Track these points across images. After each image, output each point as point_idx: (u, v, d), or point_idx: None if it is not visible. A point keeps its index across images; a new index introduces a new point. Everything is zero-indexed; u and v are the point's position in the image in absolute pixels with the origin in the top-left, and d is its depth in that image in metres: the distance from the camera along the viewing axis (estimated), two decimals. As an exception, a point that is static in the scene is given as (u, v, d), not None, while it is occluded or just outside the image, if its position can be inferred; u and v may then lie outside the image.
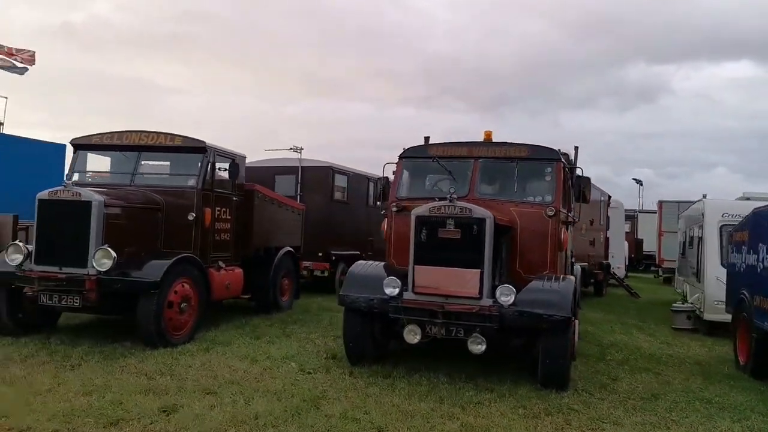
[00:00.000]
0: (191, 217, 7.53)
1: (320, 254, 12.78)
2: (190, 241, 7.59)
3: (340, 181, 13.60)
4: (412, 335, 5.65)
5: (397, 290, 5.76)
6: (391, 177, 7.52)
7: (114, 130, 8.03)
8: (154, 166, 8.21)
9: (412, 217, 5.91)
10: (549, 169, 6.84)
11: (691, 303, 11.13)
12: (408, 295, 5.78)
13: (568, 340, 5.62)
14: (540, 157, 6.84)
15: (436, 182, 7.33)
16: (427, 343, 5.88)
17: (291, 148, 13.61)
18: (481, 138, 7.27)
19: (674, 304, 11.40)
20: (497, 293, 5.53)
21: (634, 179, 55.36)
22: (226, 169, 8.14)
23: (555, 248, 6.46)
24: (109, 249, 6.44)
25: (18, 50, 18.33)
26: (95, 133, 8.09)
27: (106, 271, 6.43)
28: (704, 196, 11.40)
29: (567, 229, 7.19)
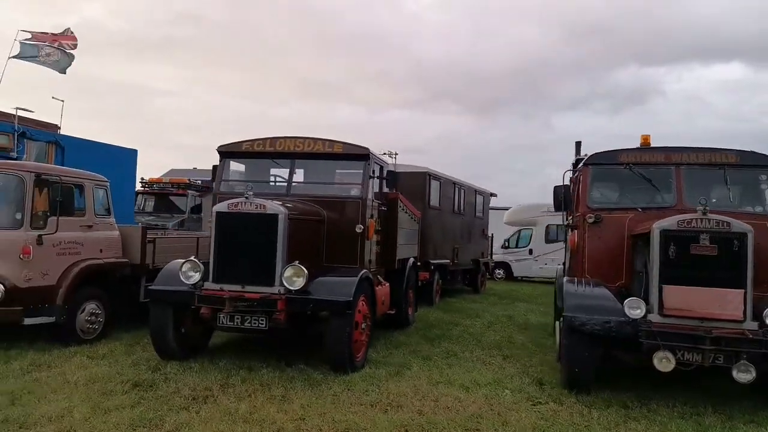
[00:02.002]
0: (359, 229, 7.02)
1: (420, 263, 12.31)
2: (355, 255, 7.08)
3: (434, 187, 13.11)
4: (666, 362, 5.12)
5: (641, 312, 5.24)
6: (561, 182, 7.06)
7: (265, 137, 7.52)
8: (310, 175, 7.69)
9: (655, 232, 5.39)
10: (764, 177, 6.36)
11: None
12: (653, 317, 5.26)
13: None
14: (753, 164, 6.36)
15: (632, 191, 6.82)
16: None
17: (384, 153, 13.11)
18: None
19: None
20: (765, 316, 5.02)
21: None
22: (380, 177, 7.64)
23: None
24: (301, 266, 5.93)
25: (57, 35, 17.23)
26: (244, 139, 7.57)
27: (296, 290, 5.92)
28: None
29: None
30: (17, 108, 11.75)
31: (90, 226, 7.49)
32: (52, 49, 16.67)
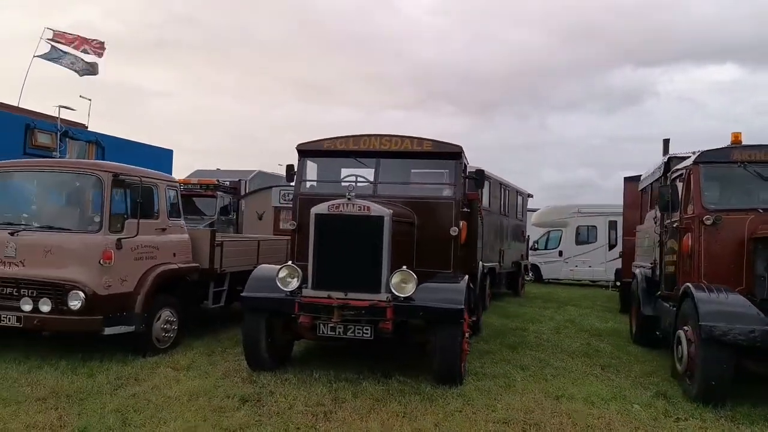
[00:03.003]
0: (454, 231, 6.63)
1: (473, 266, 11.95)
2: (448, 260, 6.69)
3: (486, 187, 12.73)
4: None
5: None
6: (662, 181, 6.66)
7: (347, 135, 7.13)
8: (385, 174, 7.29)
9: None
10: None
11: None
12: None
13: None
14: None
15: (744, 190, 6.45)
16: None
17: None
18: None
19: None
20: None
21: None
22: (468, 176, 7.25)
23: None
24: (410, 271, 5.55)
25: (85, 39, 16.80)
26: (324, 138, 7.18)
27: (405, 298, 5.54)
28: None
29: None
30: (60, 106, 11.40)
31: (163, 229, 7.09)
32: (76, 53, 16.36)
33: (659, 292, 7.68)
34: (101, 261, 6.10)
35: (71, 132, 11.36)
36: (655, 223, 8.08)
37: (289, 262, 5.86)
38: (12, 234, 6.16)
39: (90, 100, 15.10)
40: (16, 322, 6.02)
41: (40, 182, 6.70)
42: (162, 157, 14.19)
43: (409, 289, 5.51)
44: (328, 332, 5.68)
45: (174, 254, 7.22)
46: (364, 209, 5.71)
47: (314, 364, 6.38)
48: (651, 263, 8.38)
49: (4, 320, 6.04)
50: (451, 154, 6.86)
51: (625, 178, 13.04)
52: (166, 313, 6.90)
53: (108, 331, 6.14)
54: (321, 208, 5.82)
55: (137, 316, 6.42)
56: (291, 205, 13.69)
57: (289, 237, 11.03)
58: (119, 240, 6.30)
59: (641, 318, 8.29)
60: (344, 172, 7.87)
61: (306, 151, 7.23)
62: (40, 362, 6.02)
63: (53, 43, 16.19)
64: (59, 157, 10.95)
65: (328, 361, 6.63)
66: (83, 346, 6.55)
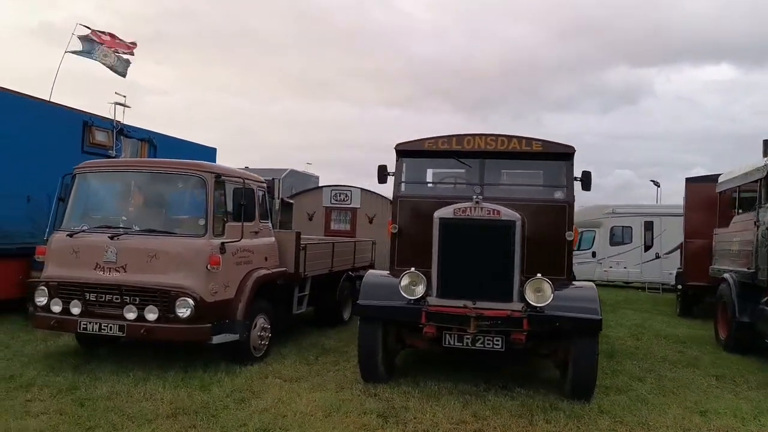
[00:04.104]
0: (570, 236, 6.33)
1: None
2: (562, 266, 6.38)
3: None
4: None
5: None
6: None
7: (449, 134, 6.82)
8: (497, 176, 6.99)
9: None
10: None
11: None
12: None
13: None
14: None
15: None
16: None
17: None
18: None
19: None
20: None
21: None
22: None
23: None
24: (546, 279, 5.24)
25: (116, 39, 16.56)
26: (425, 137, 6.87)
27: (540, 307, 5.24)
28: None
29: None
30: (115, 103, 11.07)
31: (256, 232, 6.79)
32: (108, 51, 16.04)
33: (766, 298, 7.38)
34: (208, 266, 5.80)
35: (126, 130, 11.02)
36: (756, 226, 7.76)
37: (412, 269, 5.53)
38: (112, 238, 5.85)
39: (125, 96, 14.84)
40: (119, 330, 5.72)
41: (140, 183, 6.39)
42: (206, 156, 13.86)
43: (547, 297, 5.20)
44: (456, 343, 5.39)
45: (265, 258, 6.92)
46: (493, 213, 5.41)
47: (417, 375, 6.07)
48: (748, 268, 8.07)
49: (104, 329, 5.74)
50: (564, 155, 6.55)
51: (688, 179, 12.72)
52: (260, 320, 6.60)
53: (216, 339, 5.83)
54: (446, 212, 5.52)
55: (239, 324, 6.12)
56: (341, 206, 13.54)
57: (347, 238, 10.82)
58: (223, 244, 5.99)
59: (736, 325, 8.00)
60: (429, 173, 7.59)
61: (404, 152, 6.92)
62: (144, 374, 5.71)
63: (85, 41, 15.91)
64: (115, 156, 10.65)
65: (425, 370, 6.30)
66: (165, 354, 6.27)
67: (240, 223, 6.28)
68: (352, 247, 9.63)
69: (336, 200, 13.32)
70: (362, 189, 13.41)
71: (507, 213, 5.42)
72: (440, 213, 5.53)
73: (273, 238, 7.24)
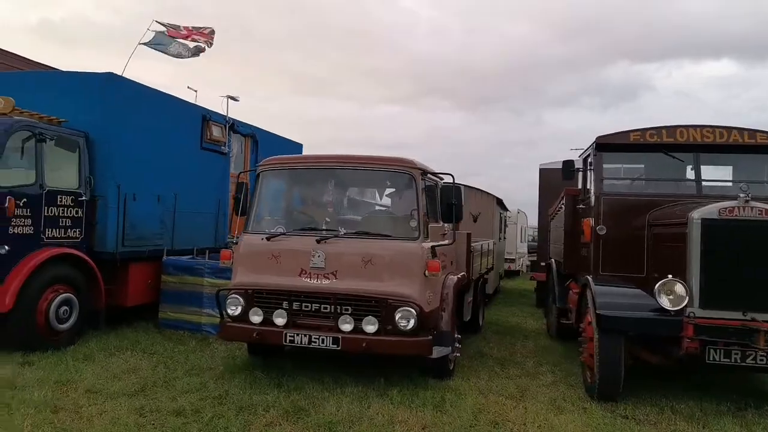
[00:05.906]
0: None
1: (542, 264, 11.86)
2: None
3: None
4: None
5: None
6: None
7: (658, 125, 6.22)
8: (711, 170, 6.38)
9: None
10: None
11: None
12: None
13: None
14: None
15: None
16: None
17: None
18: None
19: None
20: None
21: None
22: None
23: None
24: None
25: (195, 28, 16.31)
26: (630, 129, 6.27)
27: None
28: None
29: None
30: (227, 96, 10.57)
31: (444, 234, 6.23)
32: (184, 42, 15.67)
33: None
34: (426, 272, 5.25)
35: (237, 124, 10.50)
36: None
37: (669, 276, 4.93)
38: (319, 242, 5.32)
39: (196, 91, 14.40)
40: (332, 343, 5.16)
41: (341, 181, 5.84)
42: (296, 152, 13.36)
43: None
44: (721, 359, 4.79)
45: (451, 262, 6.38)
46: (764, 214, 4.80)
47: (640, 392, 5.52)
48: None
49: (315, 341, 5.19)
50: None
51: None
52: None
53: (435, 353, 5.29)
54: (707, 212, 4.91)
55: (447, 335, 5.57)
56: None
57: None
58: (433, 248, 5.45)
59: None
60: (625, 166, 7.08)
61: (606, 145, 6.32)
62: (360, 391, 5.18)
63: (162, 34, 15.53)
64: (226, 153, 10.17)
65: (649, 387, 5.73)
66: (339, 365, 5.74)
67: (440, 224, 5.74)
68: (493, 249, 9.07)
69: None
70: (465, 185, 12.83)
71: (782, 213, 4.81)
72: (701, 213, 4.93)
73: (453, 240, 6.68)
